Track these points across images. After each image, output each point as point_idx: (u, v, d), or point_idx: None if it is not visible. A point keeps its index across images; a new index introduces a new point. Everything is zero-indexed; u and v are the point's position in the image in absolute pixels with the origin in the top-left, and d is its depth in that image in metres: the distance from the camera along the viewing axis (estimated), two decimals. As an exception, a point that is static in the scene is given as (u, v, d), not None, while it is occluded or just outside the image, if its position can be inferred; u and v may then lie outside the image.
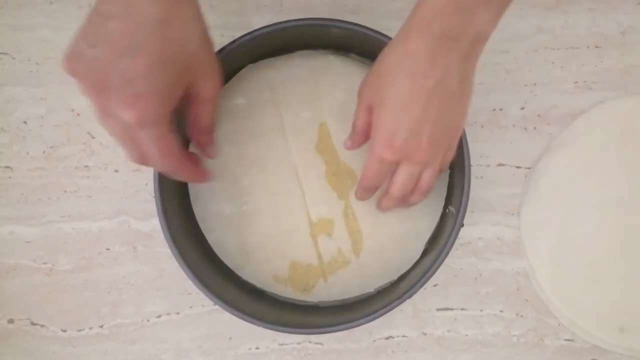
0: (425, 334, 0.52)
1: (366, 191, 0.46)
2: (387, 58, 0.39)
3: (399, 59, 0.38)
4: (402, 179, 0.43)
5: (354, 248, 0.50)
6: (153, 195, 0.46)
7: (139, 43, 0.34)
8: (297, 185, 0.50)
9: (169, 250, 0.46)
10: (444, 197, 0.50)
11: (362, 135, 0.44)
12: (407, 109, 0.38)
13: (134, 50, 0.34)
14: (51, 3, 0.53)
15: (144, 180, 0.52)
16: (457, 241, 0.46)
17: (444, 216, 0.50)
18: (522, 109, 0.53)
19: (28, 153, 0.52)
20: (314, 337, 0.52)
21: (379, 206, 0.48)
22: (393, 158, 0.41)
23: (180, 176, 0.42)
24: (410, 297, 0.45)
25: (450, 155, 0.44)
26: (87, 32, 0.35)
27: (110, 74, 0.34)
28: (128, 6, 0.34)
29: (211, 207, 0.50)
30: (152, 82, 0.35)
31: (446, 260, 0.46)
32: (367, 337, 0.52)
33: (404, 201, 0.46)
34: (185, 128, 0.44)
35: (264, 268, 0.50)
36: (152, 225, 0.52)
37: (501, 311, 0.52)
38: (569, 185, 0.51)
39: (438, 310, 0.52)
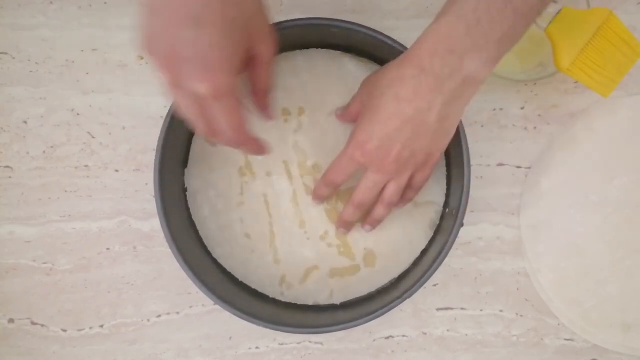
0: (425, 334, 0.52)
1: (326, 186, 0.47)
2: (386, 74, 0.41)
3: (393, 78, 0.40)
4: (365, 185, 0.45)
5: (353, 249, 0.50)
6: (153, 195, 0.46)
7: (200, 10, 0.33)
8: (296, 187, 0.50)
9: (169, 250, 0.46)
10: (444, 197, 0.50)
11: (351, 119, 0.47)
12: (384, 123, 0.41)
13: (197, 18, 0.33)
14: (51, 3, 0.52)
15: (144, 180, 0.52)
16: (457, 241, 0.46)
17: (444, 216, 0.50)
18: (522, 108, 0.53)
19: (28, 153, 0.52)
20: (314, 337, 0.52)
21: (341, 218, 0.48)
22: (361, 160, 0.43)
23: (245, 148, 0.42)
24: (410, 296, 0.45)
25: (421, 178, 0.45)
26: (147, 9, 0.34)
27: (179, 47, 0.33)
28: None
29: (211, 212, 0.50)
30: (222, 51, 0.34)
31: (446, 260, 0.46)
32: (367, 337, 0.52)
33: (366, 212, 0.47)
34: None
35: (265, 271, 0.50)
36: (152, 225, 0.52)
37: (501, 311, 0.52)
38: (569, 184, 0.51)
39: (438, 310, 0.52)
